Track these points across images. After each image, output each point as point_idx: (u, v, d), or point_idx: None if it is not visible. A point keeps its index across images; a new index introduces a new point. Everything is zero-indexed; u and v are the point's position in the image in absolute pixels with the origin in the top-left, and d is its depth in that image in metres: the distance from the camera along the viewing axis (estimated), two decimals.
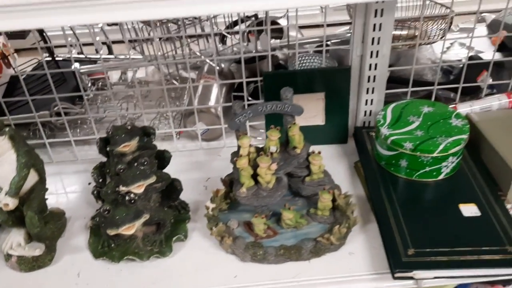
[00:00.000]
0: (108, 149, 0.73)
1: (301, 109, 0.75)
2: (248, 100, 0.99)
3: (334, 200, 0.77)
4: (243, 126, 0.75)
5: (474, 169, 0.84)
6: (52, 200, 0.88)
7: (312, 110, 0.95)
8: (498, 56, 1.10)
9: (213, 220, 0.77)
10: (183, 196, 0.84)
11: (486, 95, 0.97)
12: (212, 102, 1.01)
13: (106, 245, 0.77)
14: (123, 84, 1.20)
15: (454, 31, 1.21)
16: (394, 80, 1.03)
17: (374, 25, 0.84)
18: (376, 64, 0.89)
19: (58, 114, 0.98)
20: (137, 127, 0.75)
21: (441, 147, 0.78)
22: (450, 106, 0.94)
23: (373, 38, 0.86)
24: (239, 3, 0.51)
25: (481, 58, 1.00)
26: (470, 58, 0.99)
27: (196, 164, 0.98)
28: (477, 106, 0.94)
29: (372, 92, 0.93)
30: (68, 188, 0.96)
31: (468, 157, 0.87)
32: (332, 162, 0.93)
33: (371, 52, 0.88)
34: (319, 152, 0.76)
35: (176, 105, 1.12)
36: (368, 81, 0.91)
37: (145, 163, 0.72)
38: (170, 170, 0.82)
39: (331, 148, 0.98)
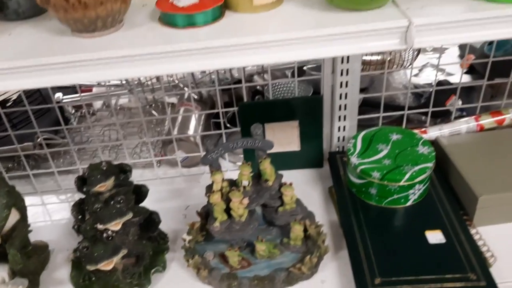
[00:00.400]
0: (84, 189, 0.75)
1: (271, 144, 0.78)
2: (226, 127, 1.02)
3: (306, 230, 0.80)
4: (216, 162, 0.78)
5: (442, 194, 0.87)
6: (36, 230, 0.90)
7: (287, 137, 0.98)
8: (467, 79, 1.13)
9: (190, 252, 0.80)
10: (162, 225, 0.86)
11: (456, 118, 1.00)
12: (191, 130, 1.03)
13: (87, 279, 0.79)
14: (106, 110, 1.23)
15: (428, 51, 1.24)
16: (369, 104, 1.06)
17: (342, 58, 0.87)
18: (346, 94, 0.92)
19: (42, 145, 1.00)
20: (113, 165, 0.78)
21: (407, 176, 0.81)
22: (421, 130, 0.98)
23: (342, 70, 0.89)
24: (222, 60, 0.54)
25: (449, 82, 1.03)
26: (440, 82, 1.02)
27: (176, 191, 1.01)
28: (446, 129, 0.97)
29: (344, 120, 0.96)
30: (52, 217, 0.99)
31: (437, 181, 0.89)
32: (308, 187, 0.97)
33: (341, 83, 0.91)
34: (291, 184, 0.79)
35: (157, 131, 1.14)
36: (340, 109, 0.94)
37: (121, 201, 0.74)
38: (151, 198, 0.84)
39: (306, 173, 1.01)
